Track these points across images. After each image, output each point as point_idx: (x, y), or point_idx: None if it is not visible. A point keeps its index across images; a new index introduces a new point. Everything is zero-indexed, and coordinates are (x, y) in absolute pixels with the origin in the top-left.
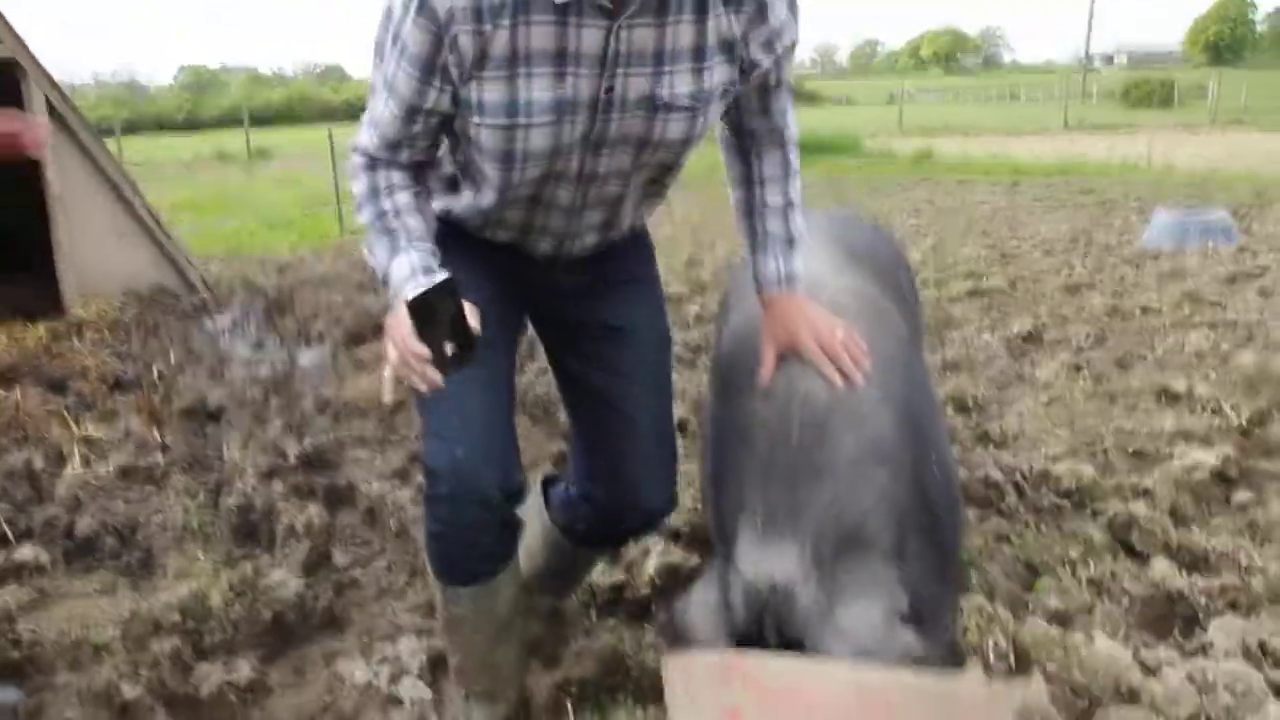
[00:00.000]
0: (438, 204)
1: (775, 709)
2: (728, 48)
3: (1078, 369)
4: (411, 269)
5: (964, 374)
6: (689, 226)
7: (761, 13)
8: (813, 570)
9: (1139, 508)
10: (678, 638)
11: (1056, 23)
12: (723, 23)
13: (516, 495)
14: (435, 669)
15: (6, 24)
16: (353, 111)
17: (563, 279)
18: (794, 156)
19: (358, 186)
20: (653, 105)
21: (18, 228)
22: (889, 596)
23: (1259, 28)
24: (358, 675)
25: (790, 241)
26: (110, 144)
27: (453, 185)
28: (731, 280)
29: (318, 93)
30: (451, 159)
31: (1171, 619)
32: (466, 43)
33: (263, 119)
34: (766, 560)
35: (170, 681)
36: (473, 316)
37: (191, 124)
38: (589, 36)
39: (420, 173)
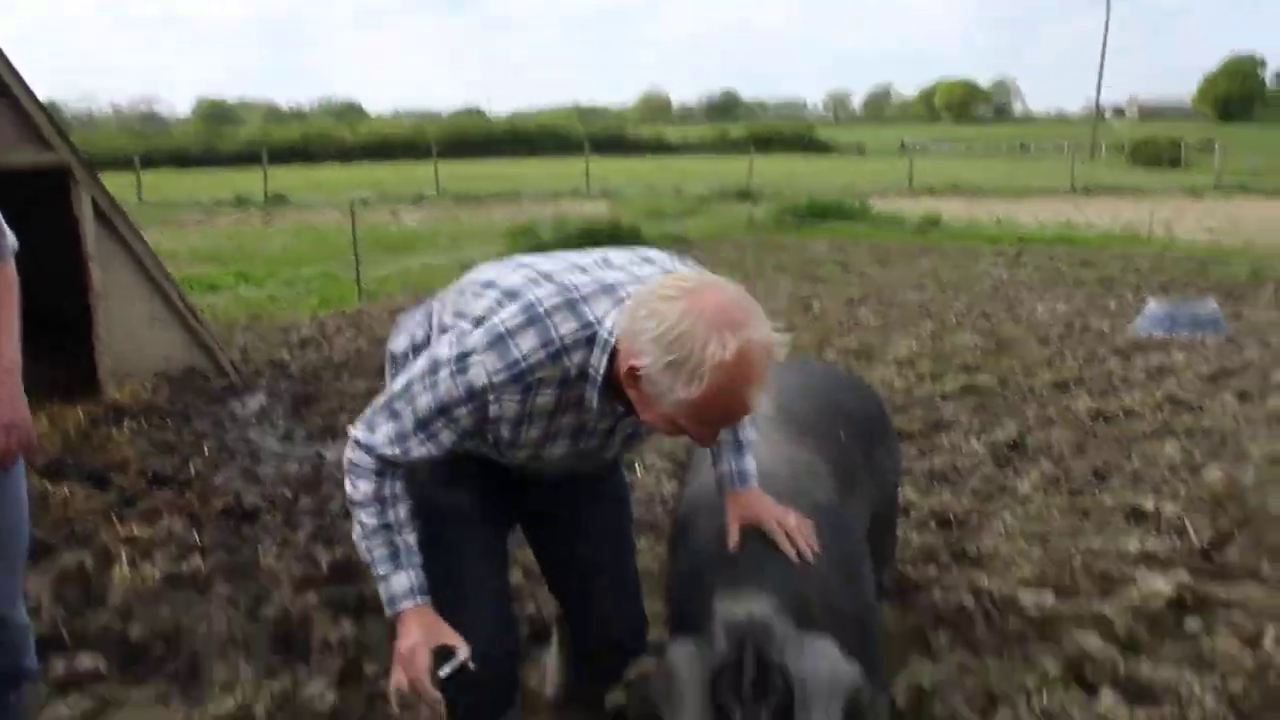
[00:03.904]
0: None
1: None
2: None
3: (1056, 481)
4: (411, 587)
5: (949, 486)
6: None
7: None
8: (780, 611)
9: (1094, 639)
10: (656, 687)
11: (1068, 73)
12: None
13: (515, 655)
14: None
15: (58, 129)
16: (369, 151)
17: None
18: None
19: (364, 486)
20: (631, 437)
21: (62, 311)
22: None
23: (1269, 85)
24: None
25: (738, 445)
26: (129, 179)
27: None
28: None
29: (335, 131)
30: None
31: None
32: (506, 430)
33: (280, 156)
34: (742, 603)
35: None
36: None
37: (209, 159)
38: (603, 423)
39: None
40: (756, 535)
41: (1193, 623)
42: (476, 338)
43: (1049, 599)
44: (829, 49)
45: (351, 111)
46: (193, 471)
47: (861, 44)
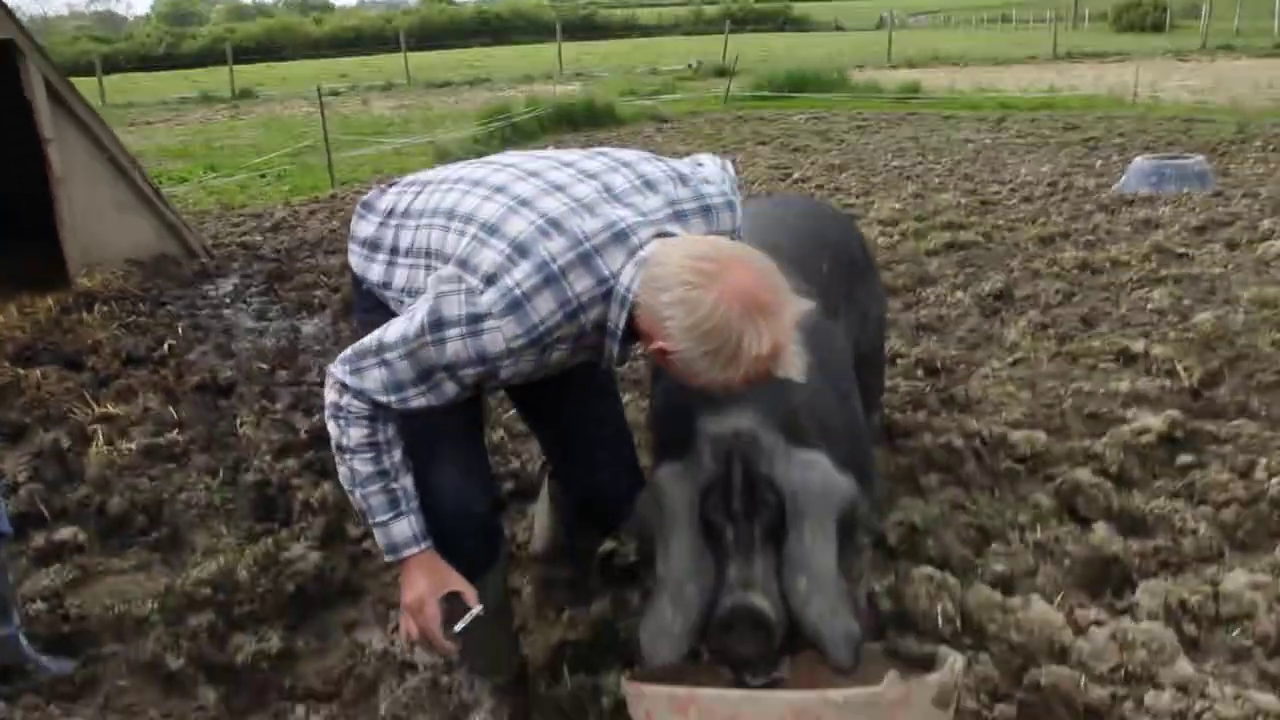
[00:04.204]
0: None
1: None
2: None
3: (1044, 328)
4: (414, 534)
5: (935, 336)
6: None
7: None
8: (767, 424)
9: (1086, 474)
10: (645, 513)
11: None
12: None
13: (493, 509)
14: None
15: (3, 5)
16: (337, 45)
17: None
18: None
19: (356, 432)
20: None
21: (27, 198)
22: (827, 452)
23: None
24: (375, 643)
25: None
26: (91, 83)
27: None
28: None
29: (300, 25)
30: None
31: (1106, 581)
32: (526, 367)
33: (245, 53)
34: (728, 419)
35: (208, 652)
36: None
37: (172, 59)
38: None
39: None
40: None
41: (1184, 457)
42: (490, 300)
43: (1040, 437)
44: None
45: (317, 4)
46: (167, 350)
47: None
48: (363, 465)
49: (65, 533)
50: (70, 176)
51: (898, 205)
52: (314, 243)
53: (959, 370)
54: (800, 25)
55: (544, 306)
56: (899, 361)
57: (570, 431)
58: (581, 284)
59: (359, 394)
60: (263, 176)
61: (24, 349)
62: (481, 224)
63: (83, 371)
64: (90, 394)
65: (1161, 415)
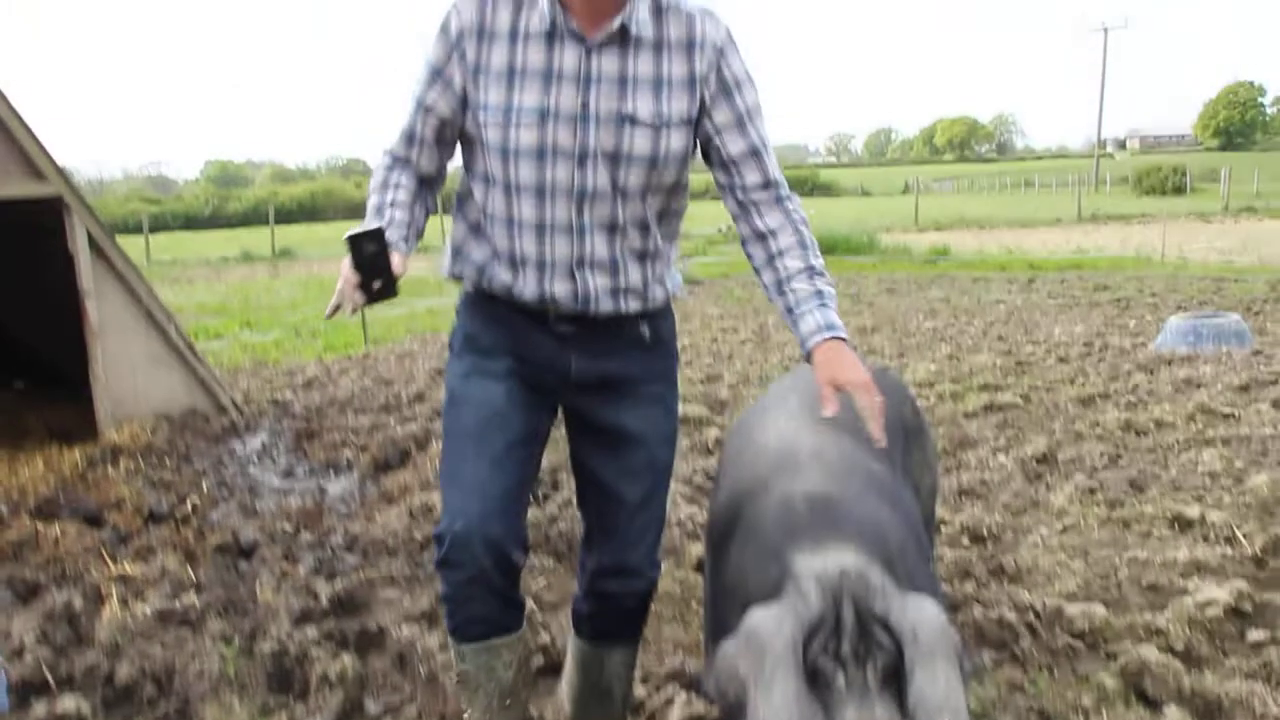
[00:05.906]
0: (474, 264)
1: None
2: (688, 83)
3: (1092, 492)
4: (376, 211)
5: (979, 501)
6: (707, 333)
7: (722, 56)
8: (871, 562)
9: (1151, 651)
10: (737, 659)
11: (1068, 108)
12: (677, 65)
13: (513, 565)
14: None
15: (51, 160)
16: None
17: (583, 367)
18: (806, 231)
19: (376, 177)
20: (619, 119)
21: (58, 352)
22: (933, 596)
23: (1269, 111)
24: None
25: (820, 296)
26: (138, 241)
27: (478, 230)
28: (726, 444)
29: (341, 188)
30: (474, 205)
31: None
32: (471, 53)
33: (287, 215)
34: (829, 557)
35: None
36: (398, 263)
37: (218, 220)
38: (569, 58)
39: (423, 187)
40: (820, 499)
41: (1256, 633)
42: None
43: (1099, 611)
44: (828, 92)
45: (356, 168)
46: (190, 508)
47: (863, 85)
48: (374, 177)
49: (68, 703)
50: (105, 329)
51: (933, 367)
52: (344, 400)
53: (1006, 538)
54: (827, 190)
55: None
56: (943, 529)
57: (613, 495)
58: None
59: (385, 151)
60: (298, 334)
61: (46, 503)
62: None
63: (103, 528)
64: (109, 552)
65: (1226, 586)
